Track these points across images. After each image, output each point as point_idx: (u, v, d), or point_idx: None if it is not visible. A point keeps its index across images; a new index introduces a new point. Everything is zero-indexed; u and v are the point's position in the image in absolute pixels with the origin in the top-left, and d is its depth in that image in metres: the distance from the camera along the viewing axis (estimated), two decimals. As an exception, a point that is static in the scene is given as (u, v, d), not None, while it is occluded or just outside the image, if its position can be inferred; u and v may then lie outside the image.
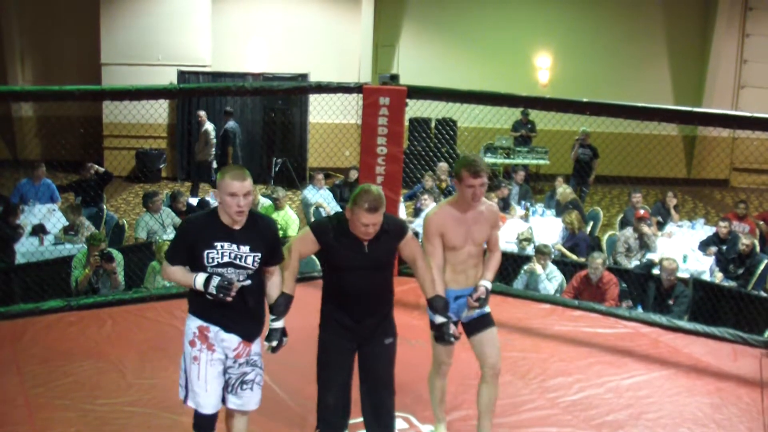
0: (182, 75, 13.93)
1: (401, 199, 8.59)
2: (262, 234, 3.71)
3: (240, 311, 3.71)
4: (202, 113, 12.66)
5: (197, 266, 3.65)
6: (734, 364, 6.02)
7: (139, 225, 8.70)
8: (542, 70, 15.84)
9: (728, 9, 15.50)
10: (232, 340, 3.74)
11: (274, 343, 3.84)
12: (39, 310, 6.45)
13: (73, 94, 7.01)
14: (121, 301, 6.72)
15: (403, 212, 9.17)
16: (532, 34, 15.66)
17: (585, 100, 7.02)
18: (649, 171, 12.83)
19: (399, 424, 4.83)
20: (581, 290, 7.44)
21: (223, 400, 3.86)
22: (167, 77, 13.48)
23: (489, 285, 4.25)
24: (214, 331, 3.71)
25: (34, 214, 9.04)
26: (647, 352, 6.21)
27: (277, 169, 13.85)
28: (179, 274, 3.69)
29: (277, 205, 9.35)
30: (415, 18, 15.77)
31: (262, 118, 14.47)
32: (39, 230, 8.42)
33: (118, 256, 7.22)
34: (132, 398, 5.03)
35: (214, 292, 3.58)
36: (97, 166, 10.13)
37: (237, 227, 3.65)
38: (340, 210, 6.51)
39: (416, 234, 8.91)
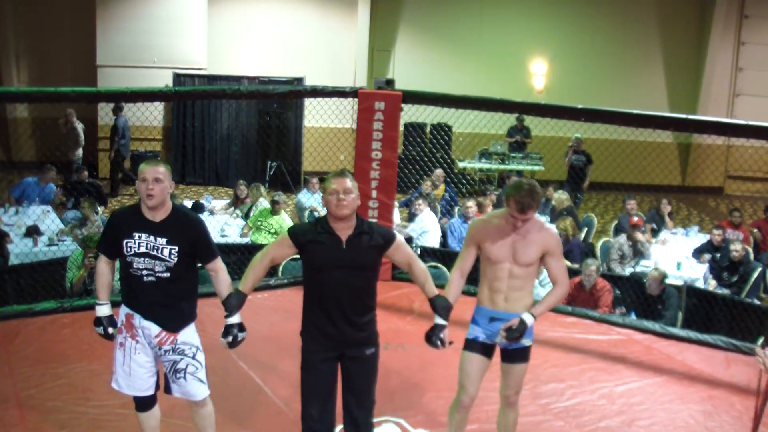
0: (178, 78, 13.92)
1: (396, 204, 8.59)
2: (183, 230, 3.87)
3: (154, 301, 3.89)
4: (70, 111, 12.38)
5: (120, 256, 3.88)
6: (727, 372, 6.03)
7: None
8: (538, 76, 15.86)
9: (724, 17, 15.55)
10: (152, 327, 3.92)
11: (230, 339, 3.93)
12: (32, 311, 6.44)
13: (69, 96, 7.02)
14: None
15: (397, 216, 9.16)
16: (528, 40, 15.69)
17: (580, 106, 7.05)
18: (643, 178, 12.87)
19: (391, 428, 4.84)
20: (574, 296, 7.45)
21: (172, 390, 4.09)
22: (163, 80, 13.46)
23: (530, 320, 4.02)
24: (137, 317, 3.93)
25: (28, 215, 9.01)
26: (640, 358, 6.22)
27: (271, 172, 13.85)
28: (100, 280, 4.03)
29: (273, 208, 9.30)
30: (411, 23, 15.79)
31: (258, 122, 14.47)
32: (33, 231, 8.39)
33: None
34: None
35: (95, 327, 4.04)
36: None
37: (157, 220, 3.83)
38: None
39: (410, 239, 9.05)
